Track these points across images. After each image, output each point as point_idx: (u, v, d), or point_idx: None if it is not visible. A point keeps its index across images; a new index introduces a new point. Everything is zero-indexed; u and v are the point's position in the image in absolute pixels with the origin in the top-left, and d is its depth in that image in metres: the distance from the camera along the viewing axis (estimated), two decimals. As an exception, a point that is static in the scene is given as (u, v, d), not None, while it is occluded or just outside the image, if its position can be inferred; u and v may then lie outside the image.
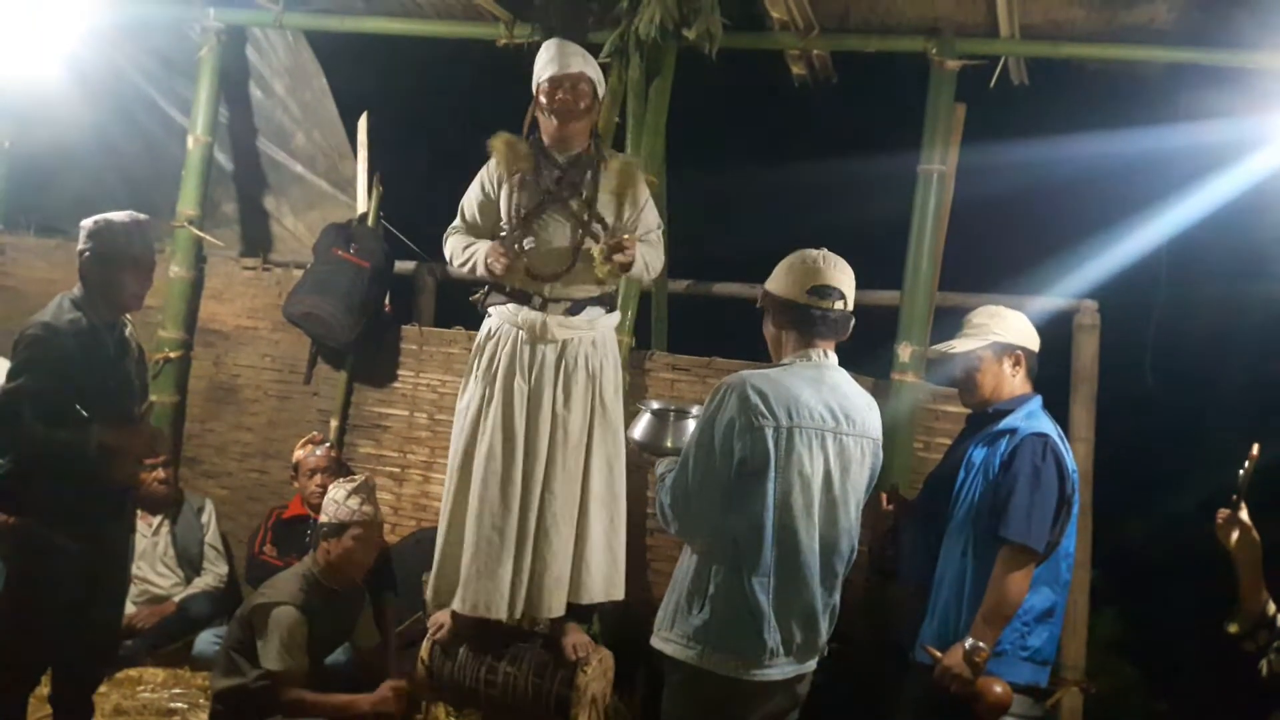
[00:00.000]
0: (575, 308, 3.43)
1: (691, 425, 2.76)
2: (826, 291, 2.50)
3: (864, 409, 2.56)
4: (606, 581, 3.47)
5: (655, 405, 2.89)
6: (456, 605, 3.39)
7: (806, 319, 2.51)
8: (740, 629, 2.43)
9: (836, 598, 2.57)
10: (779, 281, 2.56)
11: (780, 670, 2.48)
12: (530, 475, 3.38)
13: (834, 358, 2.56)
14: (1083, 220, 5.06)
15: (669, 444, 2.77)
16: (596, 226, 3.40)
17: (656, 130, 4.25)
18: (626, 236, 3.34)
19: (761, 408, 2.40)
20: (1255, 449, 2.58)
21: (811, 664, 2.59)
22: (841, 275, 2.55)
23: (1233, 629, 2.67)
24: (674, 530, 2.55)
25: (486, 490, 3.37)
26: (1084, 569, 3.91)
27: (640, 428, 2.85)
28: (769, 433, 2.40)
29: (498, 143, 3.45)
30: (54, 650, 3.25)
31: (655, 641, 2.54)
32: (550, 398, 3.39)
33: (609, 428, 3.47)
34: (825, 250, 2.57)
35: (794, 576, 2.45)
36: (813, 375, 2.49)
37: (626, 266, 3.33)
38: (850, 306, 2.56)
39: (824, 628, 2.54)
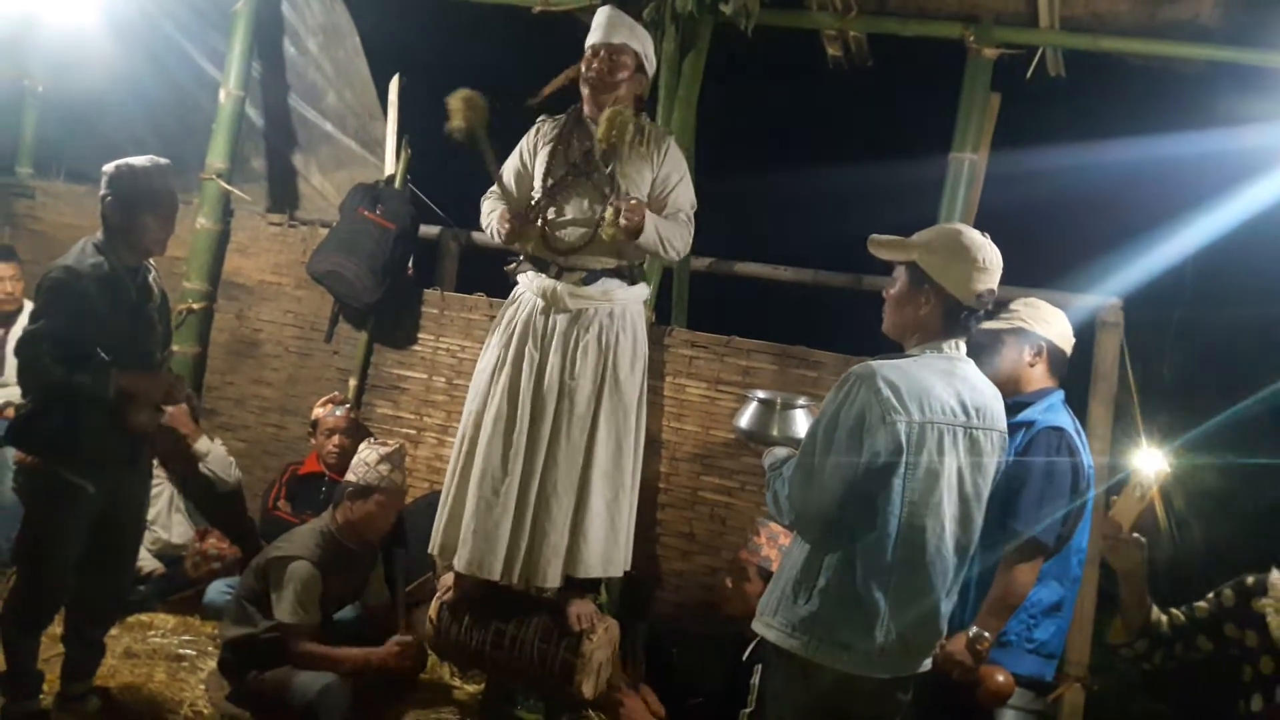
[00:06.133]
0: (590, 278, 3.40)
1: (798, 416, 2.72)
2: (990, 297, 2.41)
3: (992, 400, 2.46)
4: (605, 557, 3.39)
5: (762, 394, 2.82)
6: (456, 563, 3.43)
7: (963, 319, 2.41)
8: (849, 624, 2.34)
9: (955, 597, 2.47)
10: (948, 273, 2.39)
11: (891, 670, 2.40)
12: (534, 443, 3.36)
13: (964, 348, 2.45)
14: (1112, 218, 5.02)
15: (774, 433, 2.72)
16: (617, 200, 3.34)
17: (688, 104, 4.23)
18: (634, 200, 3.28)
19: (893, 401, 2.29)
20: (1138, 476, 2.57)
21: (925, 664, 2.49)
22: (998, 273, 2.43)
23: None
24: (788, 521, 2.47)
25: (489, 453, 3.39)
26: (1094, 566, 3.90)
27: (746, 417, 2.80)
28: (901, 428, 2.29)
29: (455, 102, 3.31)
30: (67, 590, 3.29)
31: (757, 625, 2.48)
32: (558, 367, 3.37)
33: (620, 402, 3.41)
34: (989, 239, 2.42)
35: (917, 577, 2.36)
36: (945, 367, 2.40)
37: (634, 232, 3.25)
38: None
39: (943, 629, 2.47)
